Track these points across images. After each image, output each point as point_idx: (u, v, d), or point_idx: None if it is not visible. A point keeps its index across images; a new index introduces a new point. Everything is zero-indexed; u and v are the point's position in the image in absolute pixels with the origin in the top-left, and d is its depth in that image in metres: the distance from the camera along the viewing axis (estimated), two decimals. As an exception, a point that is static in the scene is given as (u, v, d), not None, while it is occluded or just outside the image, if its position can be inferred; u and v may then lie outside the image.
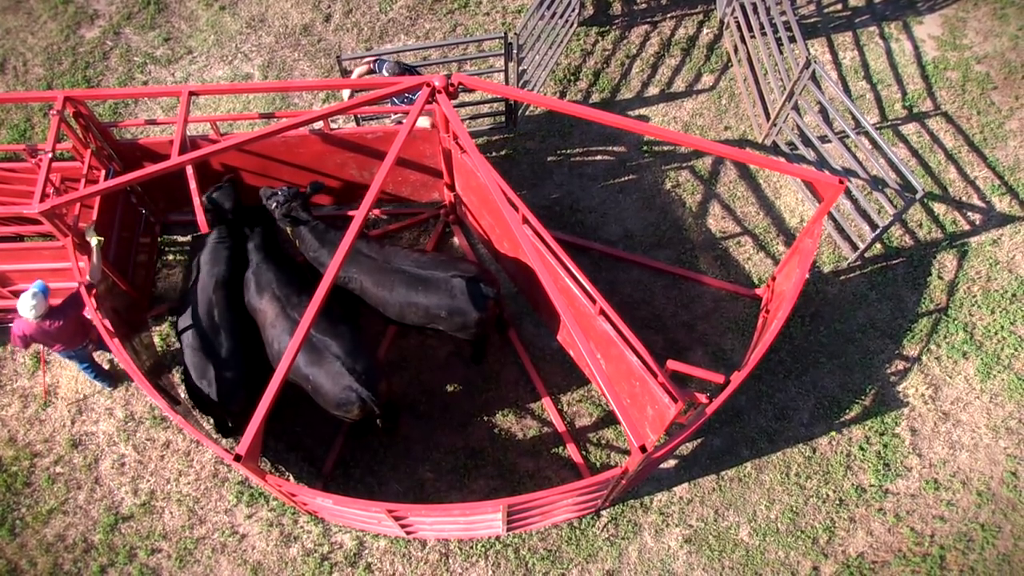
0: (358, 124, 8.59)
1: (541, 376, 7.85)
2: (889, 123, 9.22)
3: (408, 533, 7.05)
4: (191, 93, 6.96)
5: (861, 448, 7.61)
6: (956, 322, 8.12)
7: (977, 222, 8.64)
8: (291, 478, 7.44)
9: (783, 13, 8.77)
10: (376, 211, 8.60)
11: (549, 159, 9.00)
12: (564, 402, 7.79)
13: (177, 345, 7.94)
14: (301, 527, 7.30)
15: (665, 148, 9.07)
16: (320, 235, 7.27)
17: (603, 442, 7.64)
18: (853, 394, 7.84)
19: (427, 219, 8.62)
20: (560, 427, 7.62)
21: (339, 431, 7.56)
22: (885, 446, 7.62)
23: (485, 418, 7.72)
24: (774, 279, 7.79)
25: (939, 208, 8.72)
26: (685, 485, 7.49)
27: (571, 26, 9.61)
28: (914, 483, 7.49)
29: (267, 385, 5.66)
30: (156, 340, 7.98)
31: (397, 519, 6.38)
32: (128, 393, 7.81)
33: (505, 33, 7.93)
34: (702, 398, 6.00)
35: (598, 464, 7.57)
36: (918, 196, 7.32)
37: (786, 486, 7.48)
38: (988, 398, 7.79)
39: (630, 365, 6.44)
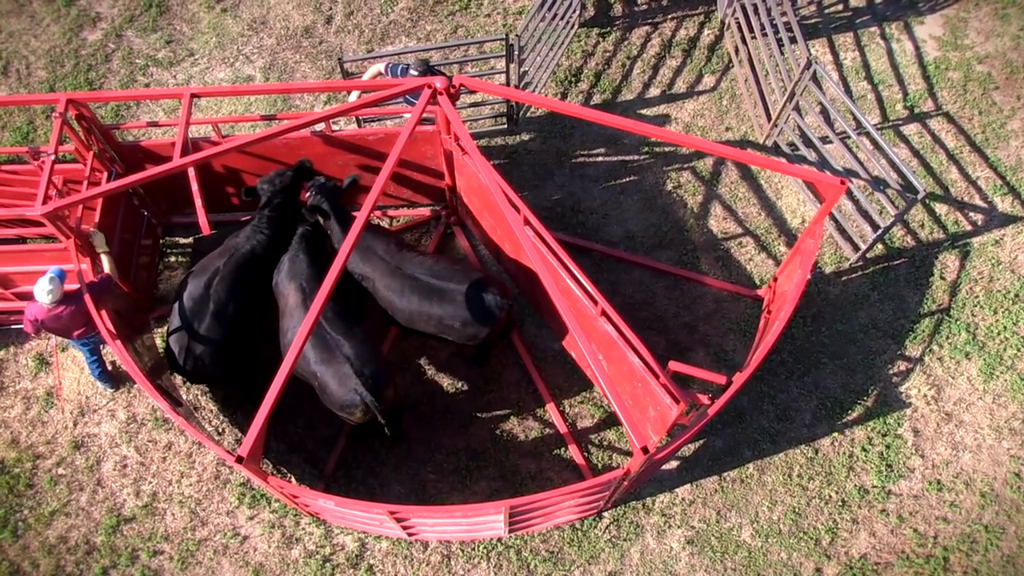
0: (359, 126, 8.60)
1: (543, 377, 7.84)
2: (890, 123, 9.21)
3: (410, 535, 7.05)
4: (193, 95, 6.98)
5: (863, 449, 7.60)
6: (958, 322, 8.11)
7: (979, 222, 8.63)
8: (293, 480, 7.44)
9: (784, 14, 8.76)
10: (377, 212, 8.61)
11: (550, 160, 9.00)
12: (566, 403, 7.79)
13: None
14: (303, 529, 7.30)
15: (666, 149, 9.07)
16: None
17: (605, 443, 7.64)
18: (855, 395, 7.83)
19: (429, 220, 8.63)
20: (562, 428, 7.62)
21: (341, 433, 7.56)
22: (888, 447, 7.61)
23: (487, 419, 7.72)
24: (776, 280, 7.79)
25: (941, 208, 8.71)
26: (687, 486, 7.48)
27: (572, 27, 9.61)
28: (917, 484, 7.48)
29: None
30: (158, 342, 7.99)
31: (399, 521, 6.39)
32: (130, 395, 7.81)
33: (506, 35, 7.93)
34: (704, 399, 5.99)
35: (600, 465, 7.56)
36: (920, 196, 7.31)
37: (788, 487, 7.47)
38: (991, 399, 7.78)
39: (632, 366, 6.43)
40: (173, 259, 8.43)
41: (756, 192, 8.84)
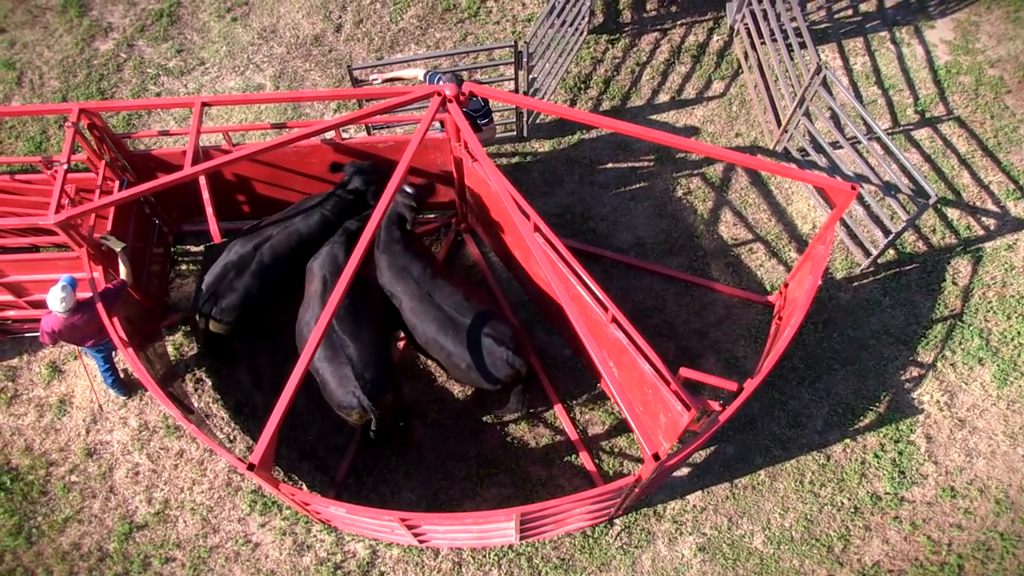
0: (369, 133, 8.62)
1: (553, 384, 7.84)
2: (901, 128, 9.18)
3: (421, 542, 7.04)
4: (203, 104, 7.03)
5: (876, 455, 7.56)
6: (971, 328, 8.06)
7: (992, 227, 8.59)
8: (304, 487, 7.46)
9: (793, 19, 8.75)
10: None
11: (560, 167, 9.00)
12: (576, 410, 7.78)
13: (190, 353, 8.02)
14: (314, 536, 7.31)
15: (676, 155, 9.06)
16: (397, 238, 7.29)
17: (616, 450, 7.62)
18: (867, 401, 7.79)
19: (439, 228, 8.65)
20: (573, 435, 7.60)
21: (352, 440, 7.57)
22: (900, 453, 7.56)
23: (497, 426, 7.72)
24: (786, 286, 7.76)
25: (953, 213, 8.67)
26: (698, 493, 7.45)
27: (581, 34, 9.62)
28: (930, 491, 7.43)
29: None
30: (170, 349, 8.02)
31: (410, 528, 6.38)
32: (142, 402, 7.85)
33: (515, 42, 7.95)
34: (715, 405, 5.97)
35: (611, 472, 7.54)
36: (931, 201, 7.28)
37: (800, 494, 7.43)
38: (1005, 405, 7.72)
39: (643, 373, 6.42)
40: (184, 267, 8.47)
41: (766, 198, 8.82)
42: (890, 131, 9.16)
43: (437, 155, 7.82)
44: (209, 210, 7.10)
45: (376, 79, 7.97)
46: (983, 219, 8.63)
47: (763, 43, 9.23)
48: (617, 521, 7.33)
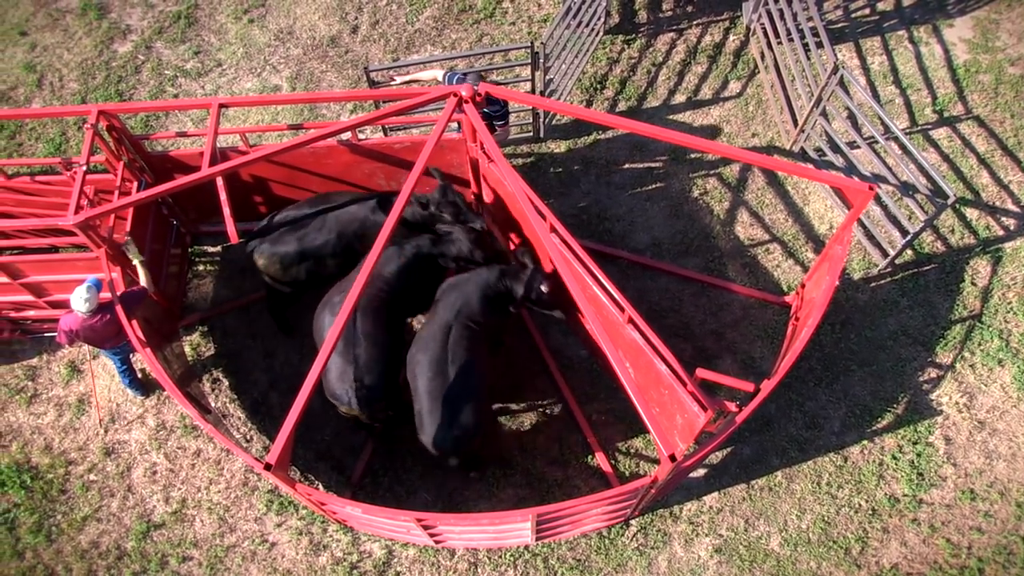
0: (385, 134, 8.65)
1: (569, 385, 7.83)
2: (919, 128, 9.11)
3: (437, 542, 7.05)
4: (221, 105, 7.06)
5: (894, 457, 7.50)
6: (991, 329, 7.99)
7: (1011, 227, 8.51)
8: (320, 487, 7.49)
9: (810, 19, 8.70)
10: None
11: (576, 168, 9.00)
12: (592, 411, 7.76)
13: (207, 353, 8.06)
14: (330, 536, 7.34)
15: (692, 155, 9.04)
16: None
17: (632, 451, 7.60)
18: (885, 402, 7.73)
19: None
20: (589, 436, 7.60)
21: (368, 440, 7.59)
22: (919, 455, 7.50)
23: (513, 427, 7.72)
24: (803, 286, 7.72)
25: (972, 213, 8.60)
26: (715, 494, 7.43)
27: (597, 35, 9.61)
28: (949, 493, 7.37)
29: None
30: (187, 349, 8.07)
31: (426, 528, 6.39)
32: (159, 402, 7.90)
33: (531, 42, 7.94)
34: (732, 407, 5.95)
35: (627, 473, 7.53)
36: (949, 201, 7.22)
37: (817, 495, 7.39)
38: (1025, 406, 7.66)
39: (659, 373, 6.40)
40: (202, 268, 8.52)
41: (783, 198, 8.78)
42: (908, 131, 9.09)
43: (453, 156, 7.83)
44: (226, 211, 7.12)
45: (397, 81, 7.99)
46: (1002, 219, 8.55)
47: (779, 43, 9.19)
48: (633, 522, 7.32)
